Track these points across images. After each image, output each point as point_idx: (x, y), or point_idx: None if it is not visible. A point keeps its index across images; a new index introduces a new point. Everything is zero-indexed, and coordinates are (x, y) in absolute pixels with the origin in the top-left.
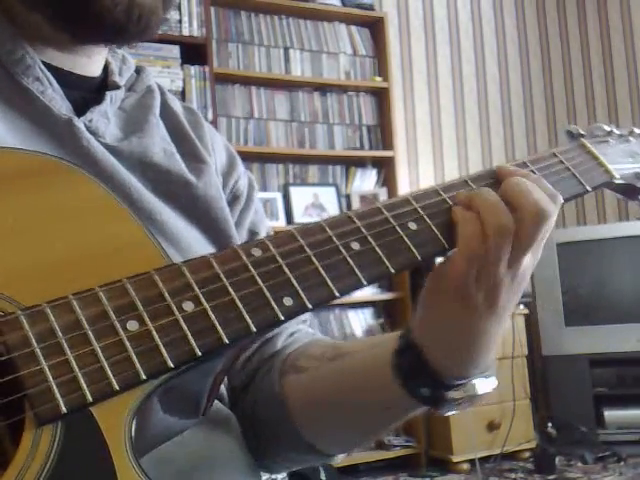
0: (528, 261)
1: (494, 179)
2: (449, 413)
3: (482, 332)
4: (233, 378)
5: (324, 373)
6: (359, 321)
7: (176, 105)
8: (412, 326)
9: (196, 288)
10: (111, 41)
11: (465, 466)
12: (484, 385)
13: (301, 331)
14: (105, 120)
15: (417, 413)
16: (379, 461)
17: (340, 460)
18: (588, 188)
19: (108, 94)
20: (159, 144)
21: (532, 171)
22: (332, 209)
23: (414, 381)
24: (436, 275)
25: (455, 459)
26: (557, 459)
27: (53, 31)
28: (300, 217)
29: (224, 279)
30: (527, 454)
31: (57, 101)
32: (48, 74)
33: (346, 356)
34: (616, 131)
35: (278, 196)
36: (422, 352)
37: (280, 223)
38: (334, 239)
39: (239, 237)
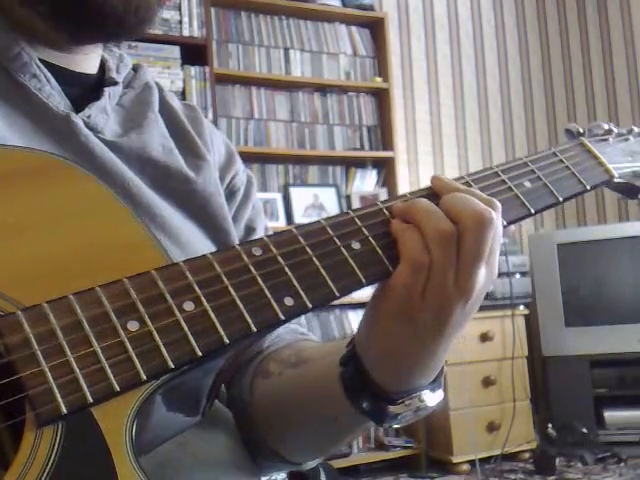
0: (482, 278)
1: (429, 191)
2: (393, 425)
3: (428, 352)
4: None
5: (284, 380)
6: (359, 321)
7: (175, 102)
8: (356, 337)
9: (197, 288)
10: (110, 35)
11: (465, 467)
12: (430, 398)
13: (288, 328)
14: (104, 116)
15: (367, 428)
16: (379, 462)
17: (309, 467)
18: (587, 187)
19: (106, 90)
20: (158, 140)
21: (468, 183)
22: (332, 210)
23: (355, 393)
24: (380, 291)
25: (455, 460)
26: (557, 460)
27: (48, 29)
28: (300, 218)
29: (225, 279)
30: (527, 455)
31: (55, 98)
32: (45, 71)
33: (305, 363)
34: (615, 130)
35: (278, 197)
36: (363, 365)
37: (280, 224)
38: (335, 239)
39: (236, 233)
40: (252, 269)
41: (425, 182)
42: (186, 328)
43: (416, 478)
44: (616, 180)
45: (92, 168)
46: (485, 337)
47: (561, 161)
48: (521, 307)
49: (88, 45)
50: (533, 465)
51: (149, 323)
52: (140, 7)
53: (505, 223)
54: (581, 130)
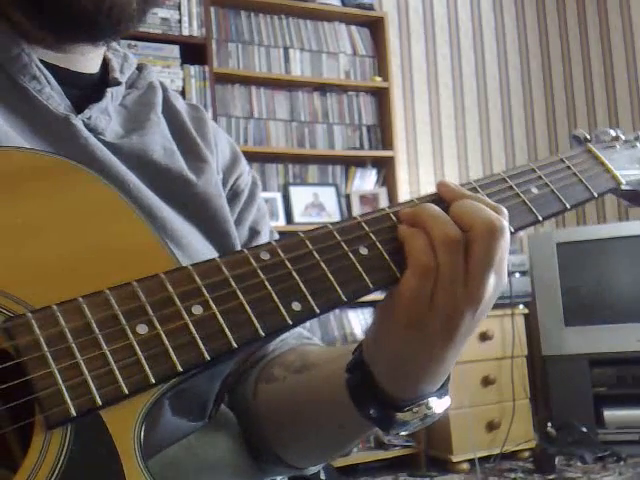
0: (492, 285)
1: (436, 197)
2: (400, 433)
3: (437, 360)
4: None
5: (288, 385)
6: (359, 321)
7: (179, 103)
8: (364, 343)
9: (205, 292)
10: (88, 36)
11: (465, 466)
12: (437, 405)
13: (292, 332)
14: (106, 117)
15: (372, 433)
16: (378, 461)
17: (312, 472)
18: (595, 194)
19: (109, 90)
20: (159, 142)
21: (474, 189)
22: (332, 209)
23: (363, 400)
24: (389, 299)
25: (455, 459)
26: (557, 459)
27: (37, 30)
28: (300, 217)
29: (233, 284)
30: (527, 454)
31: (55, 99)
32: (46, 72)
33: (310, 369)
34: (622, 136)
35: (278, 196)
36: (371, 372)
37: (280, 223)
38: (343, 244)
39: (240, 235)
40: (260, 273)
41: (425, 182)
42: (195, 332)
43: (416, 477)
44: (623, 187)
45: (92, 170)
46: (485, 336)
47: (568, 167)
48: (521, 306)
49: (74, 45)
50: (533, 464)
51: (158, 326)
52: (114, 7)
53: (512, 230)
54: (588, 136)
